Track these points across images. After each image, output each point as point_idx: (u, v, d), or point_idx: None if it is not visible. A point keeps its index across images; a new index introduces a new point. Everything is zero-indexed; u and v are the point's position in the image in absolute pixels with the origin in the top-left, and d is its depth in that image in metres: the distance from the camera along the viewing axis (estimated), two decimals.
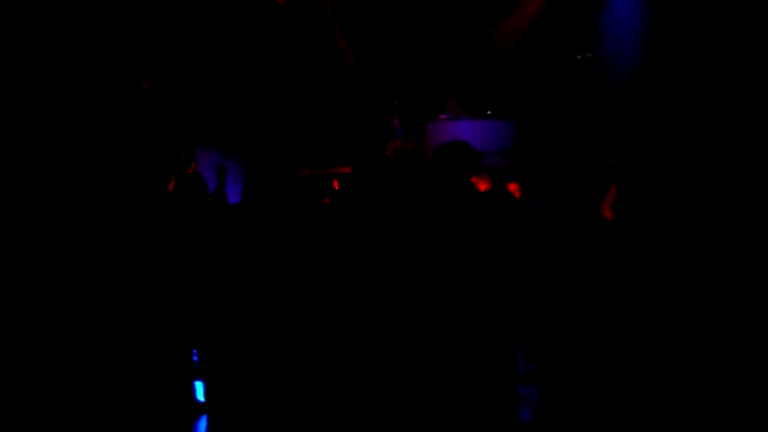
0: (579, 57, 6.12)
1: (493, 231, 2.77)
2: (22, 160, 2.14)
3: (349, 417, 2.69)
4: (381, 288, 2.66)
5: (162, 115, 2.71)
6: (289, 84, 6.00)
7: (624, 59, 5.24)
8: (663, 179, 3.46)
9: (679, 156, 3.54)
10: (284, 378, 2.68)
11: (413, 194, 2.77)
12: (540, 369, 3.03)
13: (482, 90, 7.09)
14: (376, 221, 2.72)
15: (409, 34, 6.98)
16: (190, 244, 3.09)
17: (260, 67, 5.68)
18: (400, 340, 2.66)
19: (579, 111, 5.85)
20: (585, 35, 6.05)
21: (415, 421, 2.67)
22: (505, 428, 2.85)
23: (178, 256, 3.09)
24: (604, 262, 2.84)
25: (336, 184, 2.85)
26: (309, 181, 2.81)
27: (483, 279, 2.75)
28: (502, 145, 6.45)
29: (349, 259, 2.69)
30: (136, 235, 2.40)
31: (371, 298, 2.66)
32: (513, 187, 4.07)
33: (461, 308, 2.72)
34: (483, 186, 3.86)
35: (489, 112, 6.95)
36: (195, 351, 3.24)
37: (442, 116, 6.91)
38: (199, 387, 3.73)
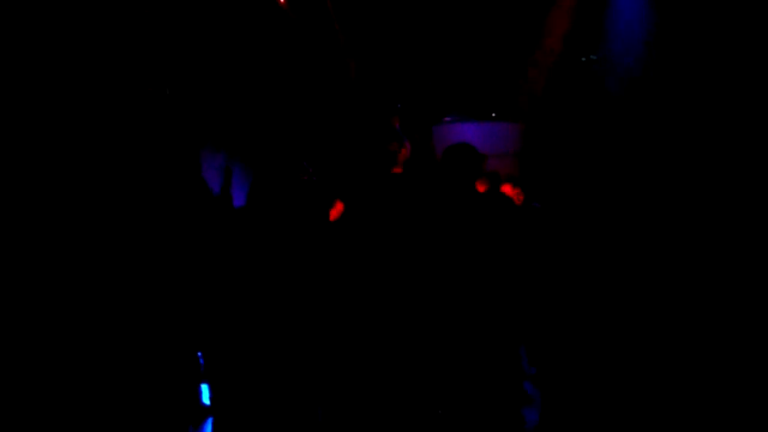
0: (584, 59, 6.11)
1: (498, 233, 2.77)
2: (27, 163, 2.15)
3: (354, 418, 2.69)
4: (388, 290, 2.66)
5: (167, 118, 2.72)
6: (293, 87, 6.00)
7: (629, 61, 5.23)
8: (665, 179, 3.45)
9: (683, 156, 3.53)
10: (289, 381, 2.68)
11: (419, 197, 2.77)
12: (544, 370, 3.02)
13: (487, 92, 7.08)
14: (382, 224, 2.72)
15: (412, 36, 6.98)
16: (197, 247, 3.09)
17: (264, 70, 5.69)
18: (407, 341, 2.65)
19: (584, 113, 5.84)
20: (590, 37, 6.04)
21: (421, 422, 2.66)
22: (510, 428, 2.85)
23: (184, 260, 3.10)
24: (606, 264, 2.83)
25: (338, 206, 2.85)
26: (313, 186, 2.81)
27: (489, 281, 2.75)
28: (507, 147, 6.43)
29: (355, 263, 2.69)
30: (143, 239, 2.40)
31: (378, 301, 2.65)
32: (508, 189, 4.06)
33: (468, 310, 2.71)
34: (480, 188, 3.86)
35: (494, 114, 6.95)
36: (200, 354, 3.24)
37: (447, 118, 6.91)
38: (205, 390, 3.74)
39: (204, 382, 3.66)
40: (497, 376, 2.79)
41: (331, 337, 2.69)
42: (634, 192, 3.96)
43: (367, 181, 2.78)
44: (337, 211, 2.80)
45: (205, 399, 3.69)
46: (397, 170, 2.79)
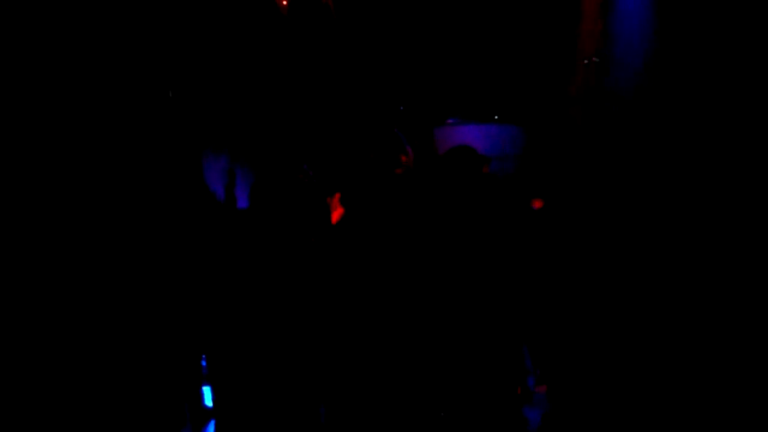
0: (586, 61, 6.11)
1: (499, 234, 2.77)
2: (28, 164, 2.16)
3: (357, 418, 2.69)
4: (390, 291, 2.66)
5: (169, 120, 2.72)
6: (295, 89, 6.02)
7: (632, 62, 5.23)
8: (668, 181, 3.45)
9: (687, 157, 3.53)
10: (291, 381, 2.68)
11: (421, 199, 2.77)
12: (547, 369, 3.02)
13: (490, 94, 7.09)
14: (384, 224, 2.72)
15: (415, 38, 6.99)
16: (200, 249, 3.10)
17: (266, 71, 5.70)
18: (409, 341, 2.66)
19: (587, 115, 5.84)
20: (593, 38, 6.05)
21: (423, 422, 2.67)
22: (513, 427, 2.85)
23: (186, 261, 3.10)
24: (607, 264, 2.83)
25: (339, 209, 2.85)
26: (314, 188, 2.81)
27: (491, 281, 2.75)
28: (509, 149, 6.45)
29: (357, 264, 2.69)
30: (146, 240, 2.41)
31: (380, 301, 2.66)
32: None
33: (469, 310, 2.72)
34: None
35: (496, 117, 6.96)
36: (203, 356, 3.24)
37: (450, 120, 6.92)
38: (207, 392, 3.74)
39: (206, 384, 3.66)
40: (500, 375, 2.79)
41: (333, 337, 2.69)
42: (637, 193, 3.95)
43: (369, 183, 2.79)
44: (338, 213, 2.80)
45: (208, 401, 3.69)
46: (398, 171, 2.79)
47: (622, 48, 5.28)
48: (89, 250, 2.23)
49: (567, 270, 3.04)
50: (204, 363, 3.34)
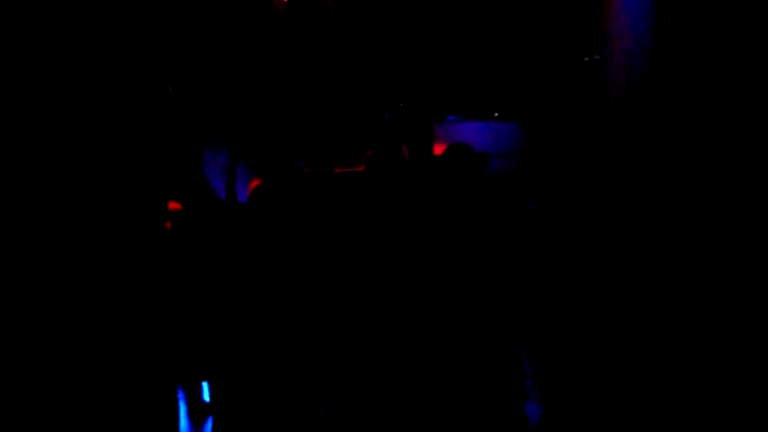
0: (586, 59, 6.10)
1: (495, 235, 2.78)
2: (26, 161, 2.16)
3: (355, 416, 2.70)
4: (388, 289, 2.67)
5: (170, 116, 2.72)
6: (294, 84, 6.02)
7: (632, 61, 5.21)
8: (668, 180, 3.44)
9: (686, 157, 3.53)
10: (289, 378, 2.69)
11: (417, 198, 2.78)
12: (545, 369, 3.03)
13: (489, 91, 7.09)
14: (382, 225, 2.72)
15: (415, 34, 6.98)
16: (201, 245, 3.10)
17: (265, 67, 5.70)
18: (406, 340, 2.66)
19: (586, 112, 5.84)
20: (592, 36, 6.04)
21: (421, 420, 2.67)
22: (512, 427, 2.85)
23: (187, 257, 3.11)
24: (603, 265, 2.83)
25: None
26: (309, 186, 2.82)
27: (486, 282, 2.76)
28: (509, 146, 6.45)
29: (357, 264, 2.70)
30: (145, 237, 2.41)
31: (378, 301, 2.67)
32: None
33: (466, 310, 2.72)
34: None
35: (496, 114, 6.95)
36: (201, 353, 3.25)
37: (450, 117, 6.92)
38: (205, 388, 3.75)
39: (204, 380, 3.67)
40: (498, 375, 2.80)
41: (331, 334, 2.70)
42: (636, 193, 3.95)
43: (367, 180, 2.79)
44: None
45: (206, 397, 3.70)
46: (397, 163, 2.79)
47: (623, 45, 5.27)
48: (85, 246, 2.23)
49: (565, 269, 3.05)
50: (202, 359, 3.35)
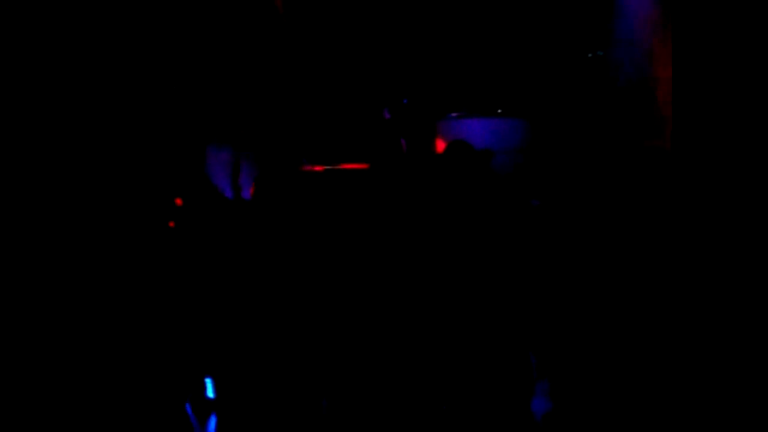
0: (590, 55, 6.10)
1: (499, 231, 2.77)
2: (27, 158, 2.15)
3: (359, 411, 2.70)
4: (392, 286, 2.67)
5: (172, 114, 2.72)
6: (296, 81, 6.01)
7: (637, 57, 5.21)
8: (672, 178, 3.44)
9: (691, 155, 3.52)
10: (293, 373, 2.69)
11: (420, 196, 2.77)
12: (550, 367, 3.02)
13: (493, 87, 7.08)
14: (386, 223, 2.72)
15: (418, 31, 6.98)
16: (203, 241, 3.10)
17: (267, 63, 5.69)
18: (411, 336, 2.66)
19: (590, 110, 5.83)
20: (597, 33, 6.03)
21: (425, 416, 2.67)
22: (518, 422, 2.86)
23: (187, 254, 3.11)
24: (610, 262, 2.83)
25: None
26: (312, 181, 2.81)
27: (492, 277, 2.76)
28: (513, 143, 6.43)
29: (361, 262, 2.70)
30: (147, 234, 2.41)
31: (383, 296, 2.66)
32: None
33: (472, 304, 2.72)
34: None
35: (500, 111, 6.94)
36: (204, 349, 3.25)
37: (453, 114, 6.91)
38: (209, 384, 3.75)
39: (208, 375, 3.67)
40: (504, 371, 2.80)
41: (335, 329, 2.70)
42: (641, 189, 3.95)
43: (368, 177, 2.79)
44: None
45: (210, 393, 3.70)
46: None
47: (627, 41, 5.26)
48: (89, 243, 2.23)
49: (570, 267, 3.05)
50: (206, 355, 3.34)
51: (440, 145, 6.30)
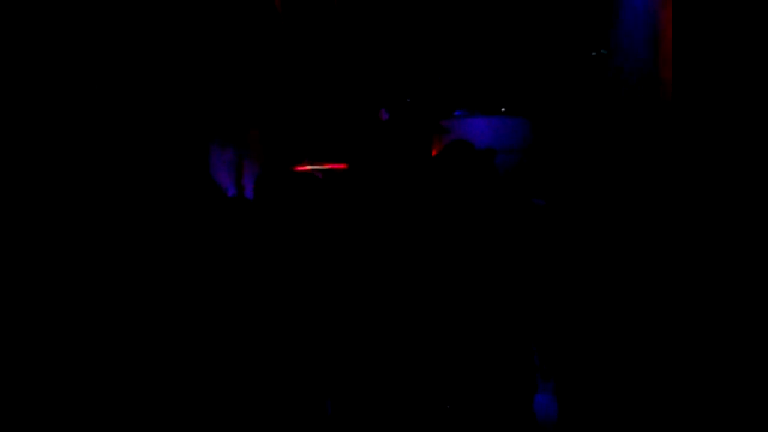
0: (594, 53, 6.09)
1: (503, 231, 2.77)
2: (29, 158, 2.16)
3: (364, 411, 2.70)
4: (395, 285, 2.67)
5: (175, 113, 2.72)
6: (300, 81, 6.02)
7: (640, 55, 5.19)
8: (677, 177, 3.43)
9: (695, 154, 3.51)
10: (298, 373, 2.69)
11: (424, 195, 2.77)
12: (554, 365, 3.02)
13: (496, 87, 7.08)
14: (389, 222, 2.72)
15: (422, 30, 6.97)
16: (205, 242, 3.11)
17: (270, 63, 5.70)
18: (415, 334, 2.66)
19: (594, 109, 5.82)
20: (600, 31, 6.02)
21: (429, 415, 2.68)
22: (520, 421, 2.85)
23: (193, 255, 3.11)
24: (615, 261, 2.82)
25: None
26: (317, 182, 2.82)
27: (496, 279, 2.76)
28: (517, 142, 6.42)
29: (364, 258, 2.70)
30: (152, 234, 2.42)
31: (388, 295, 2.67)
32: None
33: (476, 308, 2.72)
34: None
35: (503, 109, 6.94)
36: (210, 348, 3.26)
37: (457, 113, 6.91)
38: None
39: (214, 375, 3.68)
40: (508, 369, 2.80)
41: (340, 328, 2.70)
42: (644, 190, 3.94)
43: (370, 176, 2.79)
44: None
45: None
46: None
47: (629, 40, 5.25)
48: (93, 243, 2.24)
49: (574, 266, 3.04)
50: (212, 356, 3.35)
51: (443, 144, 6.30)
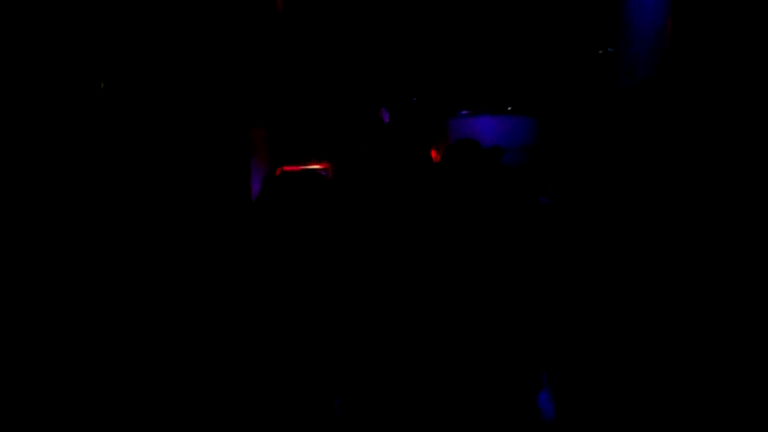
0: (600, 52, 6.07)
1: (510, 230, 2.77)
2: (38, 157, 2.18)
3: (371, 410, 2.71)
4: (400, 287, 2.67)
5: (186, 113, 2.73)
6: (306, 82, 6.02)
7: (647, 54, 5.18)
8: (683, 177, 3.42)
9: (702, 153, 3.50)
10: (305, 373, 2.70)
11: (430, 194, 2.77)
12: (559, 364, 3.02)
13: (503, 85, 7.07)
14: (393, 223, 2.73)
15: (428, 29, 6.97)
16: (213, 242, 3.12)
17: (276, 64, 5.71)
18: (421, 333, 2.67)
19: (601, 107, 5.80)
20: (607, 29, 6.00)
21: (435, 414, 2.68)
22: (525, 420, 2.85)
23: (199, 255, 3.12)
24: (621, 261, 2.82)
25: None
26: (326, 183, 2.83)
27: (502, 277, 2.75)
28: (523, 141, 6.41)
29: (371, 259, 2.70)
30: (160, 234, 2.43)
31: (394, 294, 2.67)
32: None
33: (481, 307, 2.72)
34: None
35: (510, 108, 6.93)
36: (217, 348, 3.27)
37: (463, 112, 6.90)
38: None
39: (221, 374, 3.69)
40: (512, 368, 2.80)
41: (346, 327, 2.71)
42: (651, 189, 3.93)
43: (376, 177, 2.79)
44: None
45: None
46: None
47: (637, 39, 5.23)
48: (104, 242, 2.26)
49: (579, 266, 3.04)
50: (219, 355, 3.36)
51: (450, 143, 6.29)
